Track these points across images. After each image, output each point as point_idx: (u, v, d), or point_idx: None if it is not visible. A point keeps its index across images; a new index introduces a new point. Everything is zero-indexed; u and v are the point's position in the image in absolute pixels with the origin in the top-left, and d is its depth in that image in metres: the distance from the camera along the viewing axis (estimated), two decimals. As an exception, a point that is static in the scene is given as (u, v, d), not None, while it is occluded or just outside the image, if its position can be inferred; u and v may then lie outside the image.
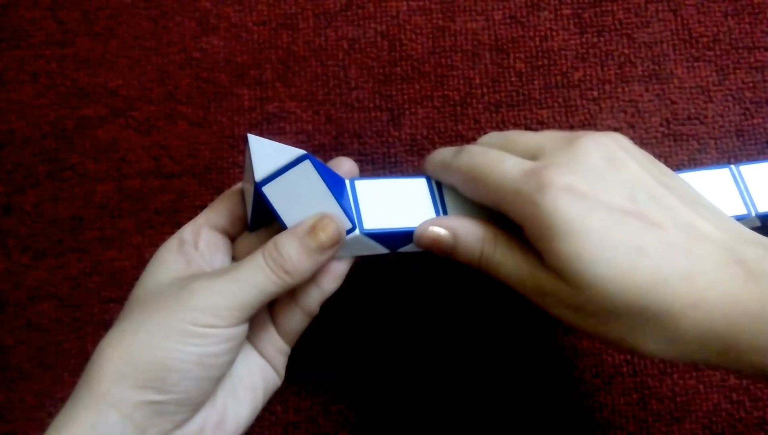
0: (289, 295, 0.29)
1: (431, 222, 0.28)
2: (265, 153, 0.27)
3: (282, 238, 0.27)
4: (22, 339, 0.37)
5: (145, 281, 0.28)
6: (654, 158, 0.28)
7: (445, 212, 0.30)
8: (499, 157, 0.27)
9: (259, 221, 0.30)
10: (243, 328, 0.27)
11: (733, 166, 0.33)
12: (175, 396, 0.25)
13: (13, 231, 0.38)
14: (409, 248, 0.30)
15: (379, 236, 0.29)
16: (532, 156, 0.27)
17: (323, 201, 0.28)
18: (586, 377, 0.36)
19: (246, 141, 0.28)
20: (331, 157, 0.38)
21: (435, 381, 0.36)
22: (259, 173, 0.27)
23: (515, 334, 0.37)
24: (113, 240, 0.38)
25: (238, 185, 0.31)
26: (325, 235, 0.27)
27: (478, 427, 0.36)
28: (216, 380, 0.27)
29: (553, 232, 0.24)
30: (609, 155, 0.26)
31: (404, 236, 0.29)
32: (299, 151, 0.27)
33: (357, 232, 0.29)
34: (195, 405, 0.26)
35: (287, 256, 0.27)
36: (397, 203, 0.30)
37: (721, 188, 0.32)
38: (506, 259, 0.27)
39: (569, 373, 0.36)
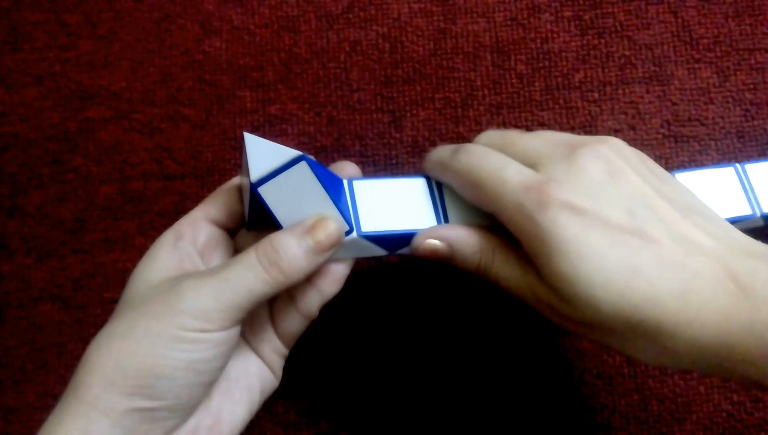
0: (288, 297, 0.29)
1: (428, 233, 0.28)
2: (262, 153, 0.27)
3: (279, 236, 0.26)
4: (24, 340, 0.38)
5: (135, 280, 0.27)
6: (652, 162, 0.28)
7: (444, 213, 0.30)
8: (498, 163, 0.27)
9: (257, 220, 0.29)
10: (234, 331, 0.26)
11: (738, 165, 0.32)
12: (166, 402, 0.24)
13: (17, 233, 0.39)
14: (407, 250, 0.30)
15: (377, 239, 0.29)
16: (532, 164, 0.27)
17: (320, 203, 0.27)
18: (587, 378, 0.36)
19: (242, 139, 0.27)
20: (333, 159, 0.39)
21: (436, 382, 0.36)
22: (255, 173, 0.26)
23: (516, 336, 0.37)
24: (116, 242, 0.38)
25: (236, 179, 0.31)
26: (324, 235, 0.27)
27: (479, 427, 0.36)
28: (208, 385, 0.26)
29: (552, 251, 0.24)
30: (608, 168, 0.26)
31: (402, 239, 0.29)
32: (295, 152, 0.27)
33: (354, 234, 0.28)
34: (187, 410, 0.26)
35: (284, 255, 0.26)
36: (395, 205, 0.30)
37: (726, 188, 0.32)
38: (504, 271, 0.27)
39: (570, 375, 0.36)
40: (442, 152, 0.30)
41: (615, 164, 0.26)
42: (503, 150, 0.28)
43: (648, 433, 0.36)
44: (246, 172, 0.27)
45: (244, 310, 0.26)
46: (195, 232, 0.29)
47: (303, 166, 0.27)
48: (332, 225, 0.27)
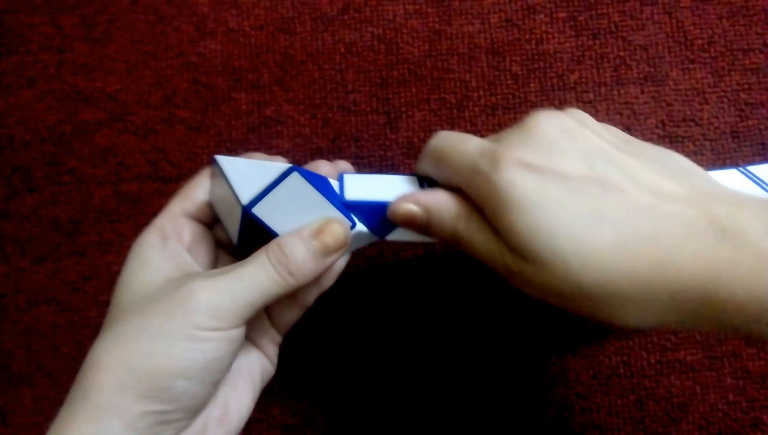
0: None
1: (405, 198, 0.28)
2: (244, 173, 0.26)
3: (287, 240, 0.27)
4: (20, 343, 0.37)
5: (130, 282, 0.26)
6: (619, 130, 0.27)
7: None
8: (461, 138, 0.27)
9: (248, 241, 0.29)
10: (243, 329, 0.26)
11: (740, 168, 0.32)
12: (180, 404, 0.24)
13: (12, 235, 0.39)
14: (398, 236, 0.29)
15: (361, 209, 0.28)
16: (493, 140, 0.27)
17: (318, 207, 0.27)
18: (584, 378, 0.36)
19: (214, 163, 0.27)
20: (329, 160, 0.38)
21: (432, 383, 0.36)
22: (245, 196, 0.26)
23: (512, 335, 0.37)
24: (111, 244, 0.38)
25: (208, 170, 0.30)
26: (331, 239, 0.27)
27: (476, 427, 0.36)
28: (218, 382, 0.26)
29: (509, 208, 0.23)
30: (562, 126, 0.25)
31: (386, 213, 0.28)
32: (284, 165, 0.26)
33: (355, 229, 0.28)
34: (198, 408, 0.26)
35: (292, 257, 0.26)
36: (382, 186, 0.29)
37: (738, 186, 0.31)
38: (479, 237, 0.26)
39: (566, 374, 0.36)
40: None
41: (569, 124, 0.25)
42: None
43: (644, 433, 0.36)
44: (228, 196, 0.27)
45: (256, 309, 0.26)
46: (178, 230, 0.28)
47: (295, 176, 0.27)
48: (338, 227, 0.27)
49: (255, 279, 0.26)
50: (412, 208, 0.27)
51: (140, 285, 0.26)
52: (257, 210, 0.26)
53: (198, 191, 0.29)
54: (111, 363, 0.24)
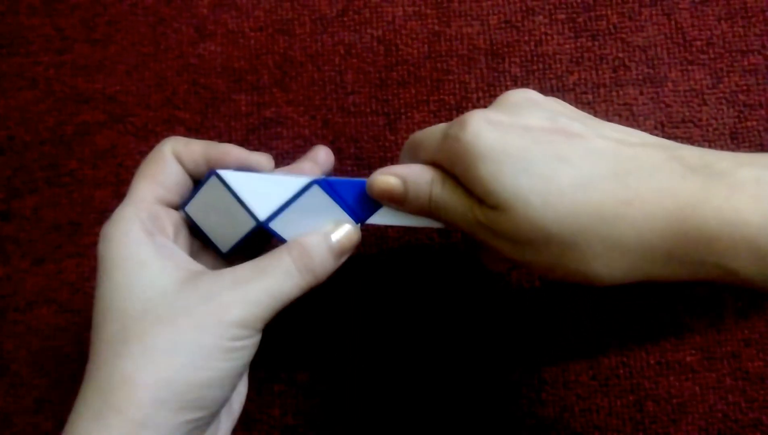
0: None
1: (382, 170, 0.28)
2: (258, 189, 0.26)
3: (310, 242, 0.27)
4: (21, 344, 0.38)
5: (133, 287, 0.25)
6: (588, 114, 0.28)
7: None
8: (433, 126, 0.28)
9: (241, 250, 0.29)
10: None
11: None
12: (213, 409, 0.25)
13: (13, 236, 0.39)
14: (379, 219, 0.29)
15: (337, 187, 0.28)
16: None
17: (329, 212, 0.28)
18: (583, 379, 0.36)
19: (210, 177, 0.26)
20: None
21: (433, 383, 0.36)
22: (262, 212, 0.26)
23: (511, 336, 0.37)
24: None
25: (166, 147, 0.28)
26: (346, 239, 0.28)
27: (476, 428, 0.36)
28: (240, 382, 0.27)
29: (474, 158, 0.24)
30: (528, 96, 0.26)
31: (362, 191, 0.28)
32: (305, 180, 0.27)
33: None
34: (221, 410, 0.26)
35: (318, 259, 0.27)
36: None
37: None
38: (452, 199, 0.27)
39: (566, 376, 0.36)
40: None
41: (536, 96, 0.26)
42: None
43: (643, 433, 0.36)
44: (227, 210, 0.27)
45: (278, 311, 0.26)
46: (159, 223, 0.27)
47: (315, 189, 0.27)
48: (351, 228, 0.28)
49: (282, 287, 0.26)
50: (389, 179, 0.28)
51: (146, 291, 0.25)
52: (274, 224, 0.27)
53: (166, 174, 0.28)
54: (147, 379, 0.23)
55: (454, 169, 0.26)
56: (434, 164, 0.27)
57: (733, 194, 0.20)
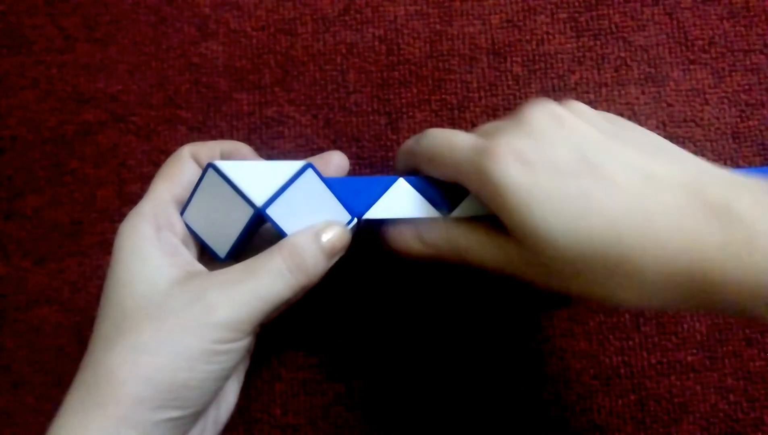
0: None
1: (396, 227, 0.29)
2: (253, 175, 0.26)
3: (300, 241, 0.27)
4: (22, 343, 0.38)
5: (131, 282, 0.26)
6: (615, 116, 0.28)
7: None
8: (452, 133, 0.28)
9: (237, 255, 0.28)
10: (254, 334, 0.27)
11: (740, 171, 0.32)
12: (194, 409, 0.25)
13: (14, 236, 0.39)
14: (374, 214, 0.29)
15: (332, 182, 0.28)
16: (486, 134, 0.28)
17: (325, 203, 0.28)
18: (584, 379, 0.36)
19: (207, 171, 0.26)
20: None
21: (433, 383, 0.36)
22: (260, 197, 0.26)
23: (513, 336, 0.37)
24: (113, 244, 0.38)
25: (185, 150, 0.29)
26: (337, 238, 0.28)
27: (476, 428, 0.36)
28: (224, 386, 0.27)
29: (506, 198, 0.24)
30: (553, 115, 0.26)
31: (361, 188, 0.29)
32: (299, 163, 0.27)
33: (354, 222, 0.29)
34: (204, 411, 0.26)
35: (309, 259, 0.26)
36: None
37: None
38: (474, 241, 0.27)
39: (567, 375, 0.36)
40: (408, 142, 0.32)
41: (560, 113, 0.26)
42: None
43: (645, 433, 0.36)
44: (223, 205, 0.26)
45: (268, 315, 0.26)
46: (170, 219, 0.28)
47: (310, 173, 0.27)
48: (340, 228, 0.28)
49: (272, 289, 0.26)
50: (405, 236, 0.29)
51: (143, 286, 0.26)
52: (272, 211, 0.26)
53: (184, 173, 0.29)
54: (129, 376, 0.24)
55: (481, 199, 0.26)
56: (454, 182, 0.28)
57: (752, 243, 0.21)
